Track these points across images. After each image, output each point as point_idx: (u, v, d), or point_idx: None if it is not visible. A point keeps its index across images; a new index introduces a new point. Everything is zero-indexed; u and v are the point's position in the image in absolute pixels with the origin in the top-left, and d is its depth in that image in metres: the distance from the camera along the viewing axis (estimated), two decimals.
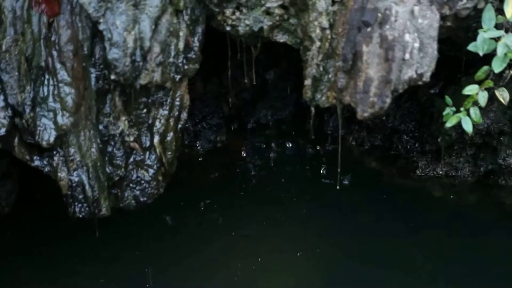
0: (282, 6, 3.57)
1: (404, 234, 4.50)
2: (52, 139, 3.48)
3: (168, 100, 3.70)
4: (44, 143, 3.48)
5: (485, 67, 3.50)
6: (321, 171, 5.11)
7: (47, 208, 4.54)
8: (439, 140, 4.89)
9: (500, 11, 3.42)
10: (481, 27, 3.39)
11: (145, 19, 3.39)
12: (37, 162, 3.60)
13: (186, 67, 3.60)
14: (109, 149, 3.70)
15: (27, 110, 3.46)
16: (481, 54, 3.39)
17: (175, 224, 4.60)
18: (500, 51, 3.34)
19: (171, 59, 3.53)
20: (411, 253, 4.36)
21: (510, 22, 3.41)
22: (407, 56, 3.25)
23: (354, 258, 4.34)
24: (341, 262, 4.32)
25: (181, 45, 3.55)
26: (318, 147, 5.38)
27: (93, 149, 3.59)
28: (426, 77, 3.34)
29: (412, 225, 4.58)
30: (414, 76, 3.30)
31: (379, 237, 4.47)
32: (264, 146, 5.46)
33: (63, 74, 3.45)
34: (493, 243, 4.42)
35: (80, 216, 3.64)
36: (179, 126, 3.78)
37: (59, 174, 3.59)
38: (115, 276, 4.18)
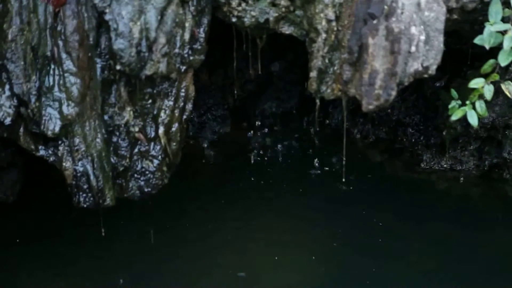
0: None
1: (408, 227, 4.50)
2: (57, 129, 3.48)
3: (173, 91, 3.70)
4: (49, 132, 3.48)
5: (491, 61, 3.49)
6: (326, 164, 5.11)
7: (51, 198, 4.56)
8: (444, 133, 4.89)
9: (507, 4, 3.41)
10: (487, 20, 3.38)
11: (151, 9, 3.39)
12: (42, 152, 3.61)
13: (191, 58, 3.60)
14: (114, 139, 3.70)
15: (33, 100, 3.46)
16: (487, 47, 3.38)
17: (179, 215, 4.60)
18: (506, 44, 3.33)
19: (176, 50, 3.53)
20: (415, 246, 4.36)
21: None
22: (413, 48, 3.24)
23: (358, 251, 4.34)
24: (344, 255, 4.32)
25: (186, 36, 3.55)
26: (323, 140, 5.38)
27: (98, 139, 3.60)
28: (432, 70, 3.33)
29: (416, 219, 4.57)
30: (420, 69, 3.29)
31: (382, 230, 4.47)
32: (269, 138, 5.46)
33: (68, 64, 3.45)
34: (497, 237, 4.42)
35: (85, 206, 3.64)
36: (184, 117, 3.78)
37: (64, 164, 3.59)
38: (120, 265, 4.19)
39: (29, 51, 3.43)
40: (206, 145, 5.35)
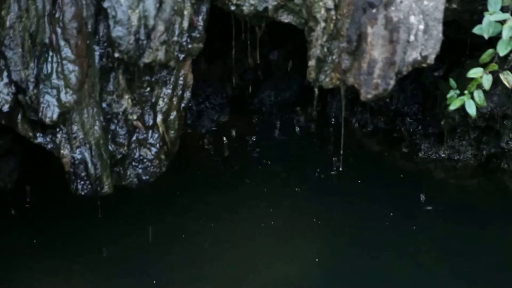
0: None
1: (405, 216, 4.51)
2: (55, 116, 3.48)
3: (172, 79, 3.70)
4: (47, 120, 3.47)
5: (490, 50, 3.48)
6: (324, 153, 5.11)
7: (49, 185, 4.56)
8: (442, 123, 4.89)
9: None
10: (486, 10, 3.37)
11: None
12: (40, 139, 3.61)
13: (190, 46, 3.59)
14: (112, 127, 3.70)
15: (31, 87, 3.46)
16: (486, 37, 3.38)
17: (177, 203, 4.61)
18: (505, 34, 3.32)
19: (175, 38, 3.52)
20: (412, 235, 4.37)
21: None
22: (411, 38, 3.24)
23: (355, 242, 4.34)
24: (341, 246, 4.33)
25: (185, 24, 3.54)
26: (321, 129, 5.38)
27: (96, 127, 3.60)
28: (431, 60, 3.33)
29: (413, 208, 4.58)
30: (419, 58, 3.29)
31: (380, 220, 4.48)
32: (267, 127, 5.46)
33: (67, 51, 3.44)
34: (494, 227, 4.43)
35: (83, 193, 3.64)
36: (182, 105, 3.78)
37: (62, 151, 3.59)
38: (117, 253, 4.20)
39: (27, 38, 3.43)
40: (204, 134, 5.35)
